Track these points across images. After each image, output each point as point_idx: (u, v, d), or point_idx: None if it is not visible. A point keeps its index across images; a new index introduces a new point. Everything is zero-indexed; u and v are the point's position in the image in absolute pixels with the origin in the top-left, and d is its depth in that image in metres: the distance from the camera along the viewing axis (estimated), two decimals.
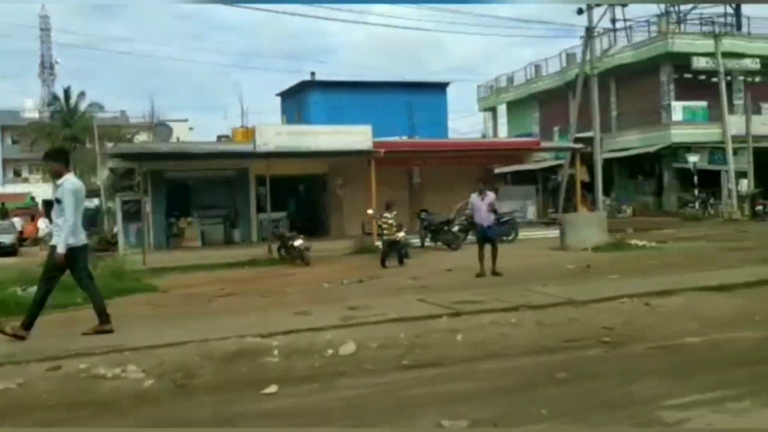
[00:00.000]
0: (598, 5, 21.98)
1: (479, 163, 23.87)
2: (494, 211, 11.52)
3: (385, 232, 15.87)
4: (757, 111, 30.58)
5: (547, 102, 38.47)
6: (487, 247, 11.48)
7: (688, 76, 28.80)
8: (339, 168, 22.69)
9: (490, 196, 11.56)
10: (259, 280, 13.11)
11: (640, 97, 31.42)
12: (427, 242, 18.49)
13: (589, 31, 22.02)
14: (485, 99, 43.55)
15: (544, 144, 21.24)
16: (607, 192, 33.30)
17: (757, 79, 30.06)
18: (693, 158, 26.75)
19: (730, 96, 30.95)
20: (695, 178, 27.18)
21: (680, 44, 28.66)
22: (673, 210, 28.63)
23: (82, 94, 48.74)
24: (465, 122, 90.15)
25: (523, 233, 20.03)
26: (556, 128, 37.65)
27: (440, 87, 29.00)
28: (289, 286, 11.41)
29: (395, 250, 15.66)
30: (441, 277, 11.58)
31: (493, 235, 11.48)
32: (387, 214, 16.03)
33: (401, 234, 15.86)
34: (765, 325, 6.34)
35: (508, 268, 11.82)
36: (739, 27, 33.49)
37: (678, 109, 29.11)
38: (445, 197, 23.53)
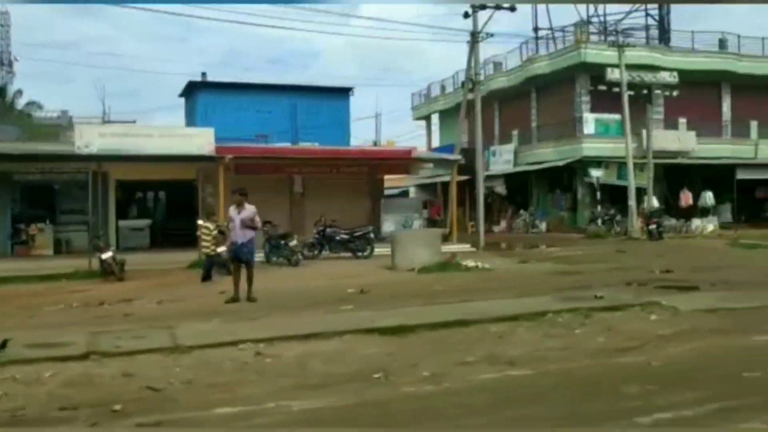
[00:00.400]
0: (483, 7, 20.74)
1: (367, 173, 22.56)
2: (252, 227, 10.06)
3: (204, 244, 14.49)
4: (674, 126, 29.65)
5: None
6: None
7: (603, 87, 27.65)
8: (209, 174, 21.26)
9: (249, 209, 10.11)
10: (21, 298, 11.62)
11: (558, 108, 30.32)
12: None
13: (474, 35, 20.76)
14: (418, 108, 42.33)
15: (417, 154, 19.91)
16: (525, 206, 32.24)
17: (675, 93, 29.03)
18: (596, 173, 25.62)
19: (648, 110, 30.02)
20: (598, 194, 26.08)
21: (595, 55, 27.54)
22: (585, 226, 27.49)
23: (19, 92, 47.08)
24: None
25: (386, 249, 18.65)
26: None
27: (342, 92, 27.63)
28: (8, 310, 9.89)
29: (217, 265, 14.31)
30: (195, 301, 10.18)
31: (247, 255, 10.02)
32: (209, 224, 14.66)
33: (222, 248, 14.45)
34: (381, 384, 4.99)
35: (283, 292, 10.50)
36: (665, 40, 32.63)
37: (590, 121, 27.99)
38: (329, 208, 22.23)
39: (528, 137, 32.11)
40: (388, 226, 22.13)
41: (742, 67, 30.17)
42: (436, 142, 41.66)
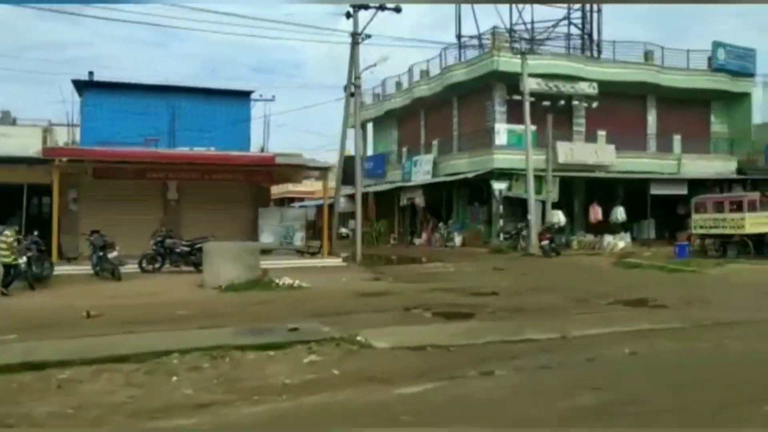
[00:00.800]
0: (366, 7, 19.55)
1: (244, 180, 21.18)
2: None
3: (2, 253, 13.07)
4: (593, 139, 28.63)
5: (405, 120, 36.21)
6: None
7: (518, 97, 26.45)
8: (72, 179, 19.81)
9: None
10: None
11: (476, 118, 29.20)
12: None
13: (355, 36, 19.54)
14: (353, 115, 40.97)
15: (283, 160, 18.51)
16: (447, 219, 30.99)
17: (595, 104, 28.01)
18: (499, 186, 24.44)
19: (570, 121, 29.01)
20: (500, 207, 24.93)
21: (507, 63, 26.33)
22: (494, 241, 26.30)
23: None
24: None
25: None
26: (404, 148, 35.33)
27: (242, 95, 26.27)
28: None
29: (16, 277, 12.94)
30: None
31: None
32: (7, 232, 13.30)
33: (22, 259, 13.07)
34: None
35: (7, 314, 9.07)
36: (594, 50, 31.70)
37: (502, 132, 26.81)
38: (208, 217, 20.89)
39: (450, 147, 30.93)
40: (266, 237, 20.79)
41: (665, 79, 29.22)
42: (370, 151, 40.57)
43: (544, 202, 24.98)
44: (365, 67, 20.24)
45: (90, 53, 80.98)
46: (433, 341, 6.81)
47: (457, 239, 28.45)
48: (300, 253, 19.88)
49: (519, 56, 25.97)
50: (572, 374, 5.82)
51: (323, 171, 18.99)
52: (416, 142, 34.32)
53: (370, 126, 40.81)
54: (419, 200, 30.97)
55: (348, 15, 19.78)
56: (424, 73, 32.87)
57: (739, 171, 30.23)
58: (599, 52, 31.48)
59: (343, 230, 36.45)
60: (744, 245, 19.06)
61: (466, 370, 5.86)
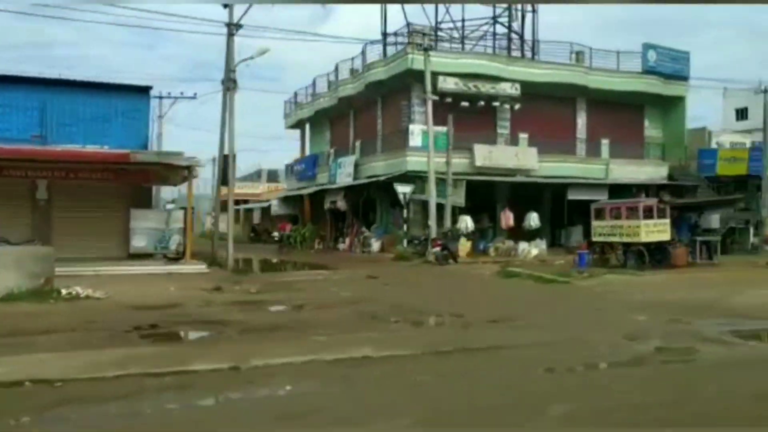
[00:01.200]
0: None
1: (128, 181, 19.79)
2: None
3: None
4: (515, 142, 27.49)
5: (335, 120, 34.96)
6: None
7: (435, 97, 25.15)
8: None
9: None
10: None
11: (396, 118, 28.00)
12: None
13: (230, 27, 18.25)
14: (289, 116, 39.75)
15: (134, 157, 17.12)
16: (372, 223, 29.74)
17: (517, 106, 26.91)
18: (403, 189, 23.19)
19: (493, 123, 27.88)
20: (405, 212, 23.70)
21: (422, 61, 25.06)
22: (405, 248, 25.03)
23: None
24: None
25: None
26: (332, 149, 34.06)
27: (140, 91, 24.82)
28: None
29: None
30: None
31: None
32: None
33: None
34: None
35: None
36: (522, 50, 30.58)
37: (417, 133, 25.56)
38: (81, 219, 19.61)
39: (374, 148, 29.65)
40: (138, 241, 19.45)
41: (595, 81, 28.11)
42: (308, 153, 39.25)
43: (459, 208, 23.83)
44: (240, 59, 18.90)
45: (78, 53, 79.45)
46: (50, 374, 5.53)
47: (375, 245, 27.26)
48: (168, 258, 18.55)
49: (440, 55, 24.86)
50: (138, 426, 4.56)
51: (189, 170, 17.64)
52: (345, 143, 33.08)
53: (307, 126, 39.53)
54: (341, 203, 29.75)
55: (225, 5, 18.50)
56: (353, 72, 31.64)
57: (671, 177, 29.24)
58: (533, 53, 30.39)
59: (275, 234, 35.19)
60: (641, 254, 17.95)
61: (22, 415, 4.58)
